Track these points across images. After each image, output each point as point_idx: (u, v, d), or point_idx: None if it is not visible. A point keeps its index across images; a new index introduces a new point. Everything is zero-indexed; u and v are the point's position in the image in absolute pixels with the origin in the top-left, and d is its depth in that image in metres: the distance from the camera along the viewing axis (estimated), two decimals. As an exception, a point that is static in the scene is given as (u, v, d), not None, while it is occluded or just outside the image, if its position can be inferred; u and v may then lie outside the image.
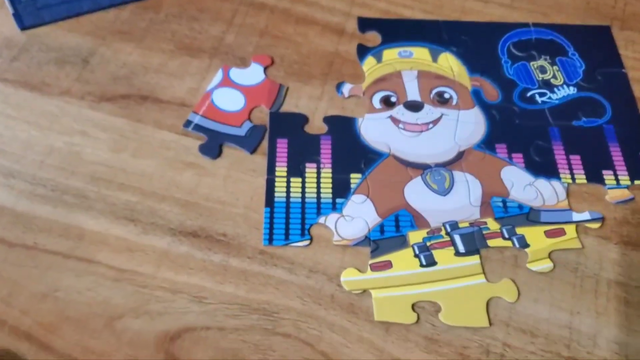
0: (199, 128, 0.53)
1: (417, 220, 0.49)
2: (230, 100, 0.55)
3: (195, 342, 0.43)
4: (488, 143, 0.53)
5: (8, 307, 0.44)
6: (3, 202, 0.49)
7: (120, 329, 0.44)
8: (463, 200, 0.50)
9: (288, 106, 0.55)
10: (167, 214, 0.49)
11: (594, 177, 0.51)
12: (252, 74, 0.57)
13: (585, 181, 0.51)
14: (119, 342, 0.43)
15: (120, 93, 0.56)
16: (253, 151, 0.52)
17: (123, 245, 0.47)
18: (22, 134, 0.53)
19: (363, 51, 0.59)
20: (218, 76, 0.57)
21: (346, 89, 0.56)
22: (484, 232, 0.48)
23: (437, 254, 0.47)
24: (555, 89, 0.57)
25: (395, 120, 0.54)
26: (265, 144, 0.53)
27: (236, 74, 0.57)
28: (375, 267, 0.46)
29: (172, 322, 0.44)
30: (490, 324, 0.44)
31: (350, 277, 0.46)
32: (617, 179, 0.51)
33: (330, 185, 0.50)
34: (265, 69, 0.57)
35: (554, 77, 0.58)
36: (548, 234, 0.48)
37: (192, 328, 0.44)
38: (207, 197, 0.50)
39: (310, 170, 0.51)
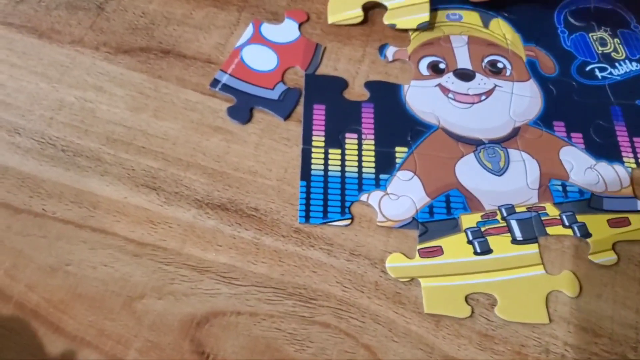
0: (227, 89, 0.48)
1: (469, 202, 0.44)
2: (261, 59, 0.50)
3: (224, 328, 0.39)
4: (545, 120, 0.48)
5: (13, 281, 0.39)
6: (7, 162, 0.43)
7: (141, 311, 0.39)
8: (520, 181, 0.45)
9: (325, 69, 0.50)
10: (192, 183, 0.44)
11: (661, 162, 0.47)
12: (286, 31, 0.51)
13: (650, 167, 0.47)
14: (139, 325, 0.38)
15: (139, 45, 0.50)
16: (287, 117, 0.47)
17: (144, 216, 0.42)
18: (28, 85, 0.47)
19: (408, 12, 0.53)
20: (248, 31, 0.51)
21: (390, 52, 0.51)
22: (543, 218, 0.44)
23: (492, 240, 0.42)
24: (617, 64, 0.52)
25: (444, 89, 0.49)
26: (300, 109, 0.48)
27: (268, 29, 0.51)
28: (424, 253, 0.42)
29: (199, 304, 0.39)
30: (550, 320, 0.40)
31: (396, 263, 0.41)
32: (685, 166, 0.47)
33: (373, 159, 0.45)
34: (300, 25, 0.51)
35: (615, 50, 0.53)
36: (611, 224, 0.44)
37: (222, 312, 0.39)
38: (236, 166, 0.45)
39: (350, 141, 0.46)
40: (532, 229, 0.43)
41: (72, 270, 0.40)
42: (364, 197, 0.44)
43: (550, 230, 0.43)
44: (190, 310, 0.39)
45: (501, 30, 0.53)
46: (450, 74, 0.50)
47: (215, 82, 0.48)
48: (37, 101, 0.46)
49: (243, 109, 0.47)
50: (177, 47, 0.50)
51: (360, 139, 0.46)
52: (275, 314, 0.39)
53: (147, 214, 0.42)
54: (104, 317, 0.39)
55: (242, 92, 0.48)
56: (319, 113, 0.47)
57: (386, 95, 0.48)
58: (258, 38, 0.51)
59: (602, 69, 0.51)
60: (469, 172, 0.45)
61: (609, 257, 0.42)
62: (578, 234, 0.43)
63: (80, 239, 0.41)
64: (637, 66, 0.52)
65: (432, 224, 0.43)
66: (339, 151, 0.45)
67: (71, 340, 0.38)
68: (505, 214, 0.43)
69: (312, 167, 0.45)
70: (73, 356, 0.37)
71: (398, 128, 0.47)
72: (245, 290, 0.40)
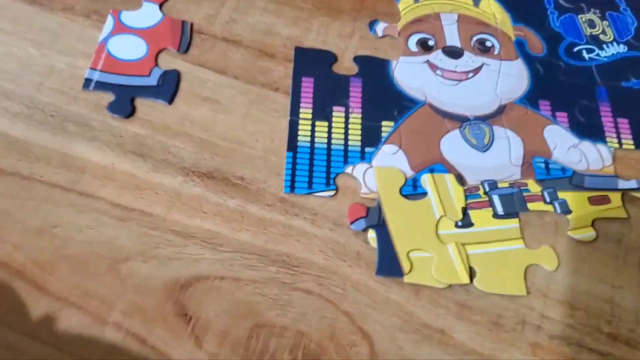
0: (101, 85, 0.46)
1: (453, 176, 0.44)
2: (129, 48, 0.48)
3: (207, 292, 0.39)
4: (531, 98, 0.49)
5: (-1, 242, 0.40)
6: (-4, 125, 0.44)
7: (126, 273, 0.39)
8: (503, 158, 0.46)
9: (315, 43, 0.50)
10: (179, 151, 0.44)
11: (643, 143, 0.47)
12: (147, 15, 0.50)
13: (633, 147, 0.47)
14: (123, 286, 0.39)
15: (130, 14, 0.50)
16: (171, 101, 0.46)
17: (131, 182, 0.42)
18: (18, 51, 0.47)
19: (399, -11, 0.54)
20: (109, 23, 0.49)
21: (380, 27, 0.51)
22: (525, 194, 0.44)
23: (474, 214, 0.43)
24: (605, 46, 0.52)
25: (432, 66, 0.49)
26: (288, 82, 0.48)
27: (129, 17, 0.50)
28: (406, 225, 0.42)
29: (183, 269, 0.40)
30: (528, 292, 0.41)
31: (378, 234, 0.42)
32: (667, 147, 0.47)
33: (360, 133, 0.46)
34: (161, 6, 0.51)
35: (604, 32, 0.53)
36: (592, 201, 0.45)
37: (205, 277, 0.40)
38: (223, 136, 0.45)
39: (337, 114, 0.46)
40: (513, 204, 0.44)
41: (59, 232, 0.40)
42: (349, 169, 0.44)
43: (531, 206, 0.44)
44: (175, 274, 0.40)
45: (491, 9, 0.53)
46: (439, 51, 0.50)
47: (87, 82, 0.46)
48: (27, 67, 0.47)
49: (123, 102, 0.45)
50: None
51: (347, 113, 0.47)
52: (258, 280, 0.40)
53: (134, 180, 0.43)
54: (88, 279, 0.39)
55: (118, 85, 0.46)
56: (307, 86, 0.48)
57: (375, 71, 0.49)
58: (120, 28, 0.49)
59: (589, 51, 0.52)
60: (454, 148, 0.46)
61: (588, 234, 0.43)
62: (559, 211, 0.44)
63: (67, 202, 0.41)
64: (624, 48, 0.52)
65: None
66: (326, 124, 0.46)
67: (56, 300, 0.38)
68: (487, 189, 0.44)
69: (299, 138, 0.45)
70: (57, 315, 0.38)
71: (385, 103, 0.47)
72: (229, 256, 0.41)
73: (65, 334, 0.37)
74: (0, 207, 0.41)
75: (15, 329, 0.37)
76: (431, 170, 0.44)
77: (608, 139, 0.47)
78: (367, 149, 0.45)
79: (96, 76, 0.46)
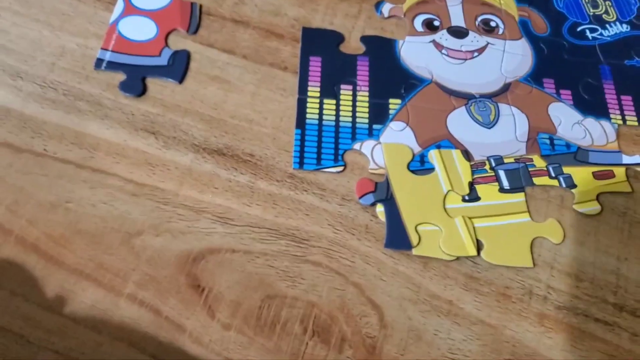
0: (113, 65, 0.47)
1: (459, 152, 0.45)
2: (140, 29, 0.49)
3: (219, 264, 0.40)
4: (535, 77, 0.49)
5: (14, 216, 0.41)
6: (10, 104, 0.45)
7: (139, 246, 0.40)
8: (509, 134, 0.46)
9: (322, 23, 0.51)
10: (190, 129, 0.45)
11: (646, 119, 0.48)
12: None
13: (636, 123, 0.48)
14: (137, 259, 0.40)
15: (140, -4, 0.51)
16: (181, 80, 0.47)
17: (142, 158, 0.43)
18: (31, 32, 0.48)
19: (404, -29, 0.54)
20: (119, 5, 0.50)
21: (386, 8, 0.52)
22: (530, 169, 0.45)
23: (480, 189, 0.44)
24: (607, 26, 0.53)
25: (438, 45, 0.50)
26: (296, 61, 0.49)
27: None
28: (414, 199, 0.43)
29: (195, 242, 0.40)
30: (534, 264, 0.42)
31: (387, 207, 0.43)
32: (670, 123, 0.48)
33: (367, 110, 0.46)
34: None
35: (606, 12, 0.54)
36: (596, 176, 0.45)
37: (217, 250, 0.40)
38: (233, 114, 0.46)
39: (345, 92, 0.47)
40: (519, 179, 0.44)
41: (72, 207, 0.41)
42: (357, 146, 0.45)
43: (536, 180, 0.45)
44: (187, 247, 0.40)
45: (495, -10, 0.54)
46: (444, 31, 0.51)
47: (99, 62, 0.47)
48: (40, 47, 0.47)
49: (134, 81, 0.46)
50: None
51: (355, 91, 0.47)
52: (269, 253, 0.41)
53: (146, 156, 0.43)
54: (103, 252, 0.40)
55: (129, 65, 0.47)
56: (315, 65, 0.48)
57: (381, 50, 0.50)
58: (131, 9, 0.50)
59: (592, 30, 0.53)
60: (460, 124, 0.46)
61: (593, 207, 0.44)
62: (564, 185, 0.45)
63: (80, 179, 0.42)
64: (627, 28, 0.53)
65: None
66: (334, 101, 0.47)
67: (70, 273, 0.39)
68: (493, 164, 0.45)
69: (307, 116, 0.46)
70: (72, 287, 0.39)
71: (392, 81, 0.48)
72: (240, 230, 0.41)
73: (80, 306, 0.38)
74: (15, 183, 0.42)
75: (31, 301, 0.38)
76: (438, 146, 0.45)
77: (612, 116, 0.48)
78: (375, 126, 0.46)
79: (107, 56, 0.47)
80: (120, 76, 0.46)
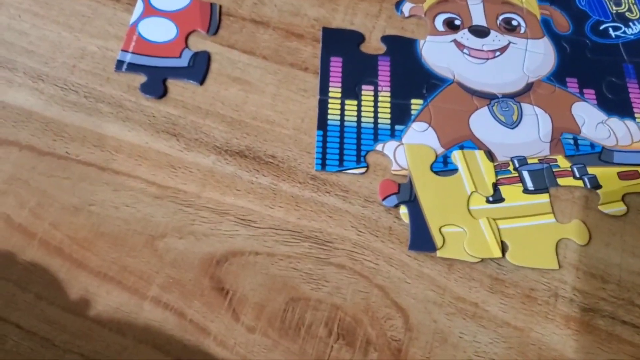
0: (133, 67, 0.47)
1: (483, 153, 0.45)
2: (160, 30, 0.49)
3: (243, 267, 0.40)
4: (558, 76, 0.49)
5: (37, 219, 0.41)
6: (31, 107, 0.45)
7: (163, 249, 0.40)
8: (532, 134, 0.46)
9: (342, 23, 0.51)
10: (212, 130, 0.45)
11: (671, 119, 0.47)
12: None
13: (661, 122, 0.47)
14: (160, 262, 0.40)
15: None
16: (202, 82, 0.47)
17: (164, 160, 0.43)
18: (51, 34, 0.48)
19: (424, -31, 0.54)
20: (139, 6, 0.50)
21: (406, 8, 0.52)
22: (554, 169, 0.44)
23: (504, 190, 0.43)
24: (631, 24, 0.52)
25: (459, 45, 0.50)
26: (317, 62, 0.48)
27: (158, 0, 0.50)
28: (438, 200, 0.43)
29: (218, 244, 0.40)
30: (560, 266, 0.41)
31: (410, 209, 0.42)
32: (695, 123, 0.47)
33: (389, 111, 0.46)
34: None
35: (630, 10, 0.53)
36: (621, 176, 0.45)
37: (240, 252, 0.40)
38: (254, 115, 0.46)
39: (367, 92, 0.47)
40: (543, 180, 0.44)
41: (95, 210, 0.41)
42: (379, 147, 0.45)
43: (561, 181, 0.44)
44: (210, 249, 0.40)
45: (516, -12, 0.53)
46: (465, 31, 0.51)
47: (119, 64, 0.47)
48: (60, 49, 0.47)
49: (155, 82, 0.46)
50: None
51: (376, 91, 0.47)
52: (292, 255, 0.40)
53: (168, 158, 0.43)
54: (126, 255, 0.40)
55: (150, 66, 0.47)
56: (336, 65, 0.48)
57: (402, 50, 0.49)
58: (150, 10, 0.50)
59: (615, 28, 0.52)
60: (483, 125, 0.46)
61: (619, 208, 0.43)
62: (588, 186, 0.44)
63: (103, 181, 0.42)
64: (650, 26, 0.52)
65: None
66: (355, 102, 0.46)
67: (94, 275, 0.39)
68: (517, 165, 0.44)
69: (329, 117, 0.46)
70: (96, 290, 0.38)
71: (414, 81, 0.48)
72: (263, 232, 0.41)
73: (105, 309, 0.38)
74: (38, 185, 0.42)
75: (56, 304, 0.38)
76: (461, 147, 0.45)
77: (637, 115, 0.47)
78: (397, 127, 0.45)
79: (128, 58, 0.47)
80: (141, 78, 0.46)
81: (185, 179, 0.43)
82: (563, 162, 0.45)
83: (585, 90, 0.48)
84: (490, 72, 0.48)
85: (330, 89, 0.47)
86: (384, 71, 0.48)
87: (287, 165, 0.44)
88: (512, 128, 0.46)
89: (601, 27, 0.52)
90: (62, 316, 0.38)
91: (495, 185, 0.43)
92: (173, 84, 0.46)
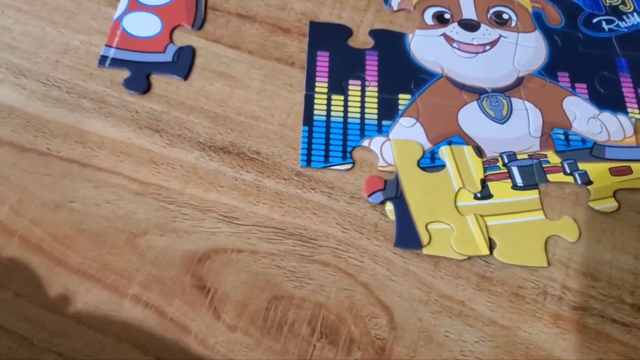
0: (117, 62, 0.46)
1: (471, 148, 0.44)
2: (144, 25, 0.48)
3: (225, 264, 0.39)
4: (549, 70, 0.48)
5: (18, 216, 0.40)
6: (13, 102, 0.44)
7: (144, 247, 0.39)
8: (522, 129, 0.45)
9: (330, 17, 0.50)
10: (195, 126, 0.44)
11: (665, 113, 0.47)
12: None
13: (655, 117, 0.46)
14: (141, 260, 0.39)
15: (144, -9, 0.50)
16: (186, 77, 0.46)
17: (147, 157, 0.42)
18: (34, 29, 0.47)
19: (413, -38, 0.53)
20: (123, 1, 0.49)
21: (395, 1, 0.51)
22: (544, 165, 0.44)
23: (493, 186, 0.43)
24: (624, 17, 0.51)
25: (448, 39, 0.49)
26: (303, 56, 0.48)
27: None
28: (424, 196, 0.42)
29: (200, 242, 0.40)
30: (549, 264, 0.40)
31: (396, 206, 0.42)
32: (689, 117, 0.46)
33: (376, 106, 0.45)
34: None
35: (623, 3, 0.52)
36: (613, 172, 0.44)
37: (222, 249, 0.40)
38: (239, 111, 0.45)
39: (353, 87, 0.46)
40: (532, 176, 0.43)
41: (76, 207, 0.40)
42: (365, 143, 0.44)
43: (551, 177, 0.43)
44: (192, 247, 0.40)
45: (508, -18, 0.52)
46: (455, 24, 0.50)
47: (103, 59, 0.46)
48: (43, 45, 0.47)
49: (139, 78, 0.45)
50: (182, -6, 0.50)
51: (363, 86, 0.46)
52: (276, 252, 0.40)
53: (151, 155, 0.43)
54: (107, 252, 0.39)
55: (134, 62, 0.46)
56: (323, 60, 0.47)
57: (391, 44, 0.48)
58: (135, 5, 0.49)
59: (609, 22, 0.51)
60: (472, 120, 0.45)
61: (610, 204, 0.43)
62: (579, 182, 0.43)
63: (84, 178, 0.41)
64: (644, 19, 0.51)
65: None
66: (342, 97, 0.46)
67: (74, 273, 0.38)
68: (506, 161, 0.44)
69: (315, 112, 0.45)
70: (76, 288, 0.38)
71: (402, 76, 0.47)
72: (246, 229, 0.40)
73: (84, 306, 0.37)
74: (19, 182, 0.41)
75: (35, 302, 0.37)
76: (449, 143, 0.44)
77: (629, 110, 0.47)
78: (384, 122, 0.45)
79: (111, 53, 0.46)
80: (125, 73, 0.45)
81: (167, 175, 0.42)
82: (553, 158, 0.44)
83: (576, 85, 0.48)
84: (480, 67, 0.48)
85: (317, 84, 0.46)
86: (371, 66, 0.47)
87: (272, 161, 0.43)
88: (502, 123, 0.45)
89: (594, 21, 0.51)
90: (41, 314, 0.37)
91: (483, 182, 0.42)
92: (157, 79, 0.46)
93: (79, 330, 0.37)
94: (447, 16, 0.50)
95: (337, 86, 0.46)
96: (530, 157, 0.44)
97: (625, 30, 0.51)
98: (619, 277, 0.40)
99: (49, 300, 0.37)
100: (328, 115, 0.45)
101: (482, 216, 0.41)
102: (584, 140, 0.45)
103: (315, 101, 0.45)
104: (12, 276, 0.38)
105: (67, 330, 0.37)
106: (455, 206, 0.41)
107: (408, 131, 0.44)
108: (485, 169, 0.43)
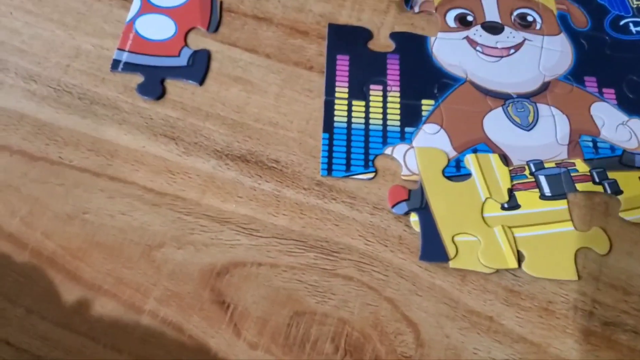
0: (130, 67, 0.44)
1: (497, 156, 0.43)
2: (158, 28, 0.46)
3: (244, 278, 0.38)
4: (576, 75, 0.46)
5: (29, 228, 0.39)
6: (23, 109, 0.43)
7: (160, 260, 0.38)
8: (549, 137, 0.43)
9: (349, 19, 0.48)
10: (212, 133, 0.43)
11: (696, 119, 0.45)
12: None
13: (685, 124, 0.45)
14: (158, 274, 0.38)
15: (157, -7, 0.48)
16: (202, 82, 0.44)
17: (162, 166, 0.41)
18: (44, 32, 0.46)
19: (434, -38, 0.51)
20: (136, 2, 0.48)
21: (416, 3, 0.49)
22: (572, 174, 0.42)
23: (520, 196, 0.41)
24: (652, 19, 0.50)
25: (472, 42, 0.47)
26: (322, 60, 0.46)
27: None
28: (450, 207, 0.41)
29: (219, 255, 0.38)
30: (579, 277, 0.39)
31: (421, 217, 0.40)
32: None
33: (399, 112, 0.44)
34: None
35: (651, 4, 0.50)
36: (644, 181, 0.42)
37: (242, 263, 0.38)
38: (256, 117, 0.44)
39: (375, 93, 0.45)
40: (561, 185, 0.42)
41: (90, 218, 0.39)
42: (388, 150, 0.42)
43: (579, 186, 0.42)
44: (210, 260, 0.38)
45: (531, -18, 0.51)
46: (478, 27, 0.48)
47: (115, 63, 0.45)
48: (53, 48, 0.45)
49: (153, 83, 0.44)
50: (196, -5, 0.48)
51: (385, 91, 0.45)
52: (297, 266, 0.38)
53: (166, 163, 0.41)
54: (122, 266, 0.38)
55: (147, 66, 0.45)
56: (343, 64, 0.46)
57: (412, 47, 0.47)
58: (148, 7, 0.47)
59: (636, 24, 0.49)
60: (497, 127, 0.44)
61: (641, 215, 0.41)
62: (609, 191, 0.42)
63: (98, 188, 0.40)
64: (673, 21, 0.50)
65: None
66: (363, 103, 0.44)
67: (88, 288, 0.37)
68: (533, 169, 0.42)
69: (335, 119, 0.43)
70: (91, 304, 0.37)
71: (424, 80, 0.45)
72: (265, 241, 0.39)
73: (99, 323, 0.36)
74: (29, 193, 0.40)
75: (48, 319, 0.36)
76: (474, 150, 0.42)
77: (659, 116, 0.45)
78: (407, 129, 0.43)
79: (124, 57, 0.45)
80: (138, 78, 0.44)
81: (184, 185, 0.40)
82: (582, 166, 0.43)
83: (604, 90, 0.46)
84: (505, 71, 0.46)
85: (337, 89, 0.45)
86: (393, 70, 0.46)
87: (291, 170, 0.42)
88: (528, 130, 0.44)
89: (621, 23, 0.49)
90: (54, 331, 0.36)
91: (510, 191, 0.41)
92: (171, 85, 0.44)
93: (93, 349, 0.36)
94: (469, 18, 0.49)
95: (358, 91, 0.44)
96: (558, 165, 0.42)
97: (654, 32, 0.49)
98: (652, 291, 0.39)
99: (62, 316, 0.36)
100: (349, 122, 0.43)
101: (509, 227, 0.40)
102: (612, 148, 0.43)
103: (336, 107, 0.44)
104: (23, 291, 0.37)
105: (82, 348, 0.36)
106: (482, 217, 0.40)
107: (432, 138, 0.43)
108: (512, 178, 0.42)
